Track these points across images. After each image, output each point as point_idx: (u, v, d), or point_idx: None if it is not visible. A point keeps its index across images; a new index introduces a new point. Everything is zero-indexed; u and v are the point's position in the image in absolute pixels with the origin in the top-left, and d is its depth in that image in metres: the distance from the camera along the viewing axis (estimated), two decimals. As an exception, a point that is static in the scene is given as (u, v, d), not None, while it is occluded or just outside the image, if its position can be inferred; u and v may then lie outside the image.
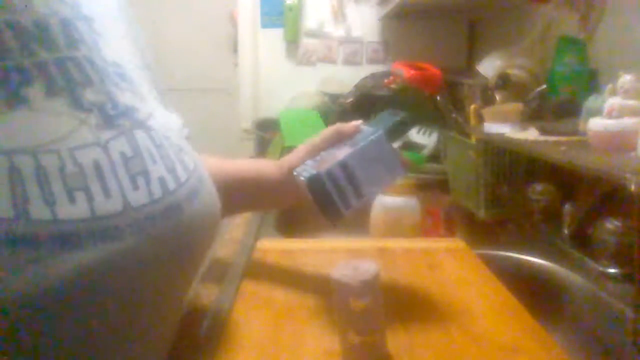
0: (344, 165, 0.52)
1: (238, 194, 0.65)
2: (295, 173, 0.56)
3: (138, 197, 0.35)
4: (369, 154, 0.54)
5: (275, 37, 1.89)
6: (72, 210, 0.32)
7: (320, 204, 0.51)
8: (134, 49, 0.50)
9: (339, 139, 0.60)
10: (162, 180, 0.38)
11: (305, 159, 0.59)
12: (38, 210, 0.30)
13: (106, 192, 0.34)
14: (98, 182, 0.34)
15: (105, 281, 0.33)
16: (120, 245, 0.33)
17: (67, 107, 0.35)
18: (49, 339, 0.31)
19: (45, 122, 0.33)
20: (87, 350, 0.34)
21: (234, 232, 0.88)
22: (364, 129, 0.59)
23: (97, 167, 0.34)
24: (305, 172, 0.53)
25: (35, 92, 0.34)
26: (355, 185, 0.52)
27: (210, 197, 0.45)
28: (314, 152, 0.60)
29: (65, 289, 0.30)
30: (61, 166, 0.32)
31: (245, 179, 0.66)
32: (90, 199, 0.33)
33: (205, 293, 0.63)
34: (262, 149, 1.69)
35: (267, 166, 0.66)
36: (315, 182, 0.51)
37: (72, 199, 0.32)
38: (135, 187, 0.36)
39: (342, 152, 0.54)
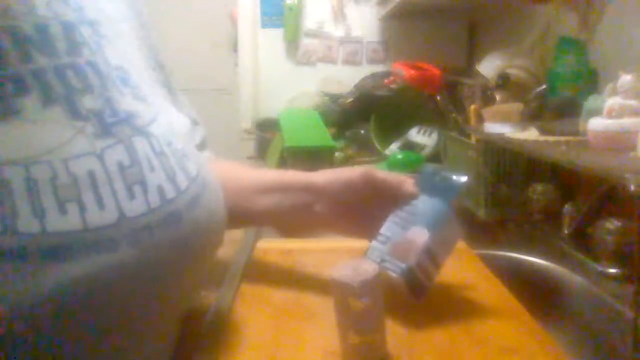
0: (428, 251, 0.54)
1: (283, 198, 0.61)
2: (375, 263, 0.54)
3: (134, 207, 0.35)
4: (443, 231, 0.54)
5: (275, 37, 1.89)
6: (63, 223, 0.31)
7: (410, 289, 0.54)
8: (144, 49, 0.50)
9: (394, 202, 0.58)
10: (160, 189, 0.37)
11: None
12: (26, 223, 0.30)
13: (100, 202, 0.33)
14: (92, 193, 0.33)
15: (98, 294, 0.32)
16: (114, 256, 0.33)
17: (63, 116, 0.34)
18: (40, 352, 0.30)
19: (39, 132, 0.33)
20: None
21: (234, 232, 0.88)
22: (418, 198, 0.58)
23: (92, 177, 0.33)
24: (390, 264, 0.54)
25: (30, 102, 0.33)
26: (436, 262, 0.55)
27: (215, 203, 0.44)
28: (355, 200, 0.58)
29: (55, 302, 0.30)
30: (53, 177, 0.31)
31: (291, 185, 0.61)
32: (82, 210, 0.32)
33: (205, 293, 0.63)
34: (262, 149, 1.69)
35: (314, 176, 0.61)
36: (409, 275, 0.53)
37: (63, 211, 0.31)
38: (132, 197, 0.35)
39: (416, 235, 0.54)
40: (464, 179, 0.56)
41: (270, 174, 0.64)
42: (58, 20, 0.37)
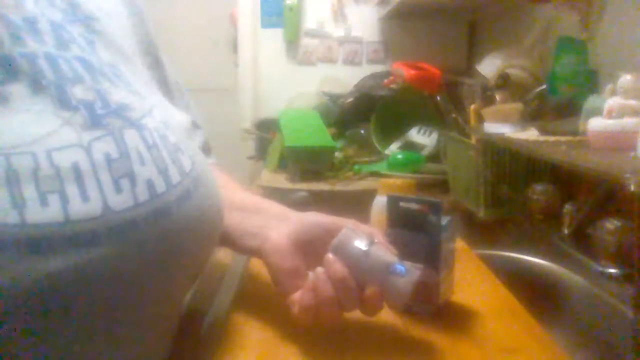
0: (442, 279, 0.54)
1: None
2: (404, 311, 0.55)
3: (120, 201, 0.34)
4: (444, 260, 0.54)
5: (275, 37, 1.89)
6: (44, 214, 0.30)
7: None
8: (142, 46, 0.49)
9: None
10: (150, 183, 0.36)
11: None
12: (5, 214, 0.29)
13: (84, 195, 0.32)
14: (75, 185, 0.32)
15: (79, 288, 0.31)
16: (96, 251, 0.32)
17: (51, 105, 0.34)
18: (18, 348, 0.30)
19: (25, 122, 0.32)
20: (62, 358, 0.32)
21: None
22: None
23: (76, 169, 0.33)
24: (418, 309, 0.55)
25: (19, 90, 0.33)
26: (451, 274, 0.58)
27: (209, 200, 0.43)
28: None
29: (34, 296, 0.29)
30: (35, 168, 0.31)
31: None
32: (64, 202, 0.31)
33: (205, 293, 0.63)
34: (262, 149, 1.69)
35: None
36: (438, 311, 0.55)
37: (44, 202, 0.30)
38: (119, 190, 0.34)
39: (426, 277, 0.53)
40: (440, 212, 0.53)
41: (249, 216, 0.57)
42: (45, 18, 0.37)
